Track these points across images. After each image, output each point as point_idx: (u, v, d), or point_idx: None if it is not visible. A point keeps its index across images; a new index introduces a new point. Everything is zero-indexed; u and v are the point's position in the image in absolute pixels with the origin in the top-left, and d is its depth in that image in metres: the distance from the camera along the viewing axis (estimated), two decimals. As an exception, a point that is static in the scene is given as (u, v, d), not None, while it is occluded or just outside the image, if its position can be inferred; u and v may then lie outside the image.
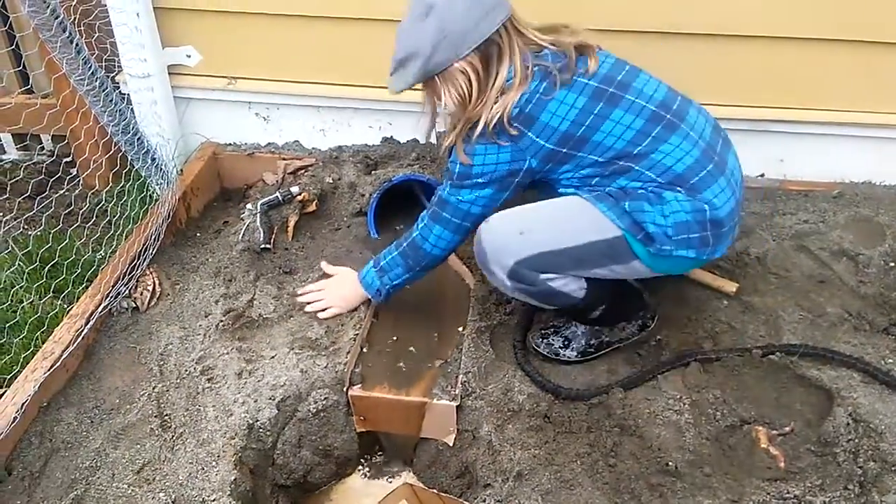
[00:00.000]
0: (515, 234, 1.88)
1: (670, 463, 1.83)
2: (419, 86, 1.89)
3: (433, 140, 2.16)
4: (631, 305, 2.14)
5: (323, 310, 2.25)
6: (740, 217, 1.95)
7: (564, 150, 1.83)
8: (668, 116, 1.83)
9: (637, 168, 1.83)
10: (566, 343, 2.12)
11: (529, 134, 1.81)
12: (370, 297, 2.18)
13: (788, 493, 1.75)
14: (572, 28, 1.88)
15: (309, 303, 2.28)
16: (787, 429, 1.91)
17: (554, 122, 1.80)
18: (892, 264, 2.33)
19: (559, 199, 1.92)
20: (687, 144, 1.83)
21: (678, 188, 1.82)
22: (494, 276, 1.95)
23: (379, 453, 2.22)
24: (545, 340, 2.14)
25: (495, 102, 1.79)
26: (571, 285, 1.92)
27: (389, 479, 2.17)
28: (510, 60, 1.78)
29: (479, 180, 1.89)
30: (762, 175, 2.71)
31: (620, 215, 1.82)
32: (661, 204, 1.81)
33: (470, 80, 1.80)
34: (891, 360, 2.05)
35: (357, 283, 2.20)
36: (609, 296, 2.02)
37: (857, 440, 1.83)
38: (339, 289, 2.28)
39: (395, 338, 2.24)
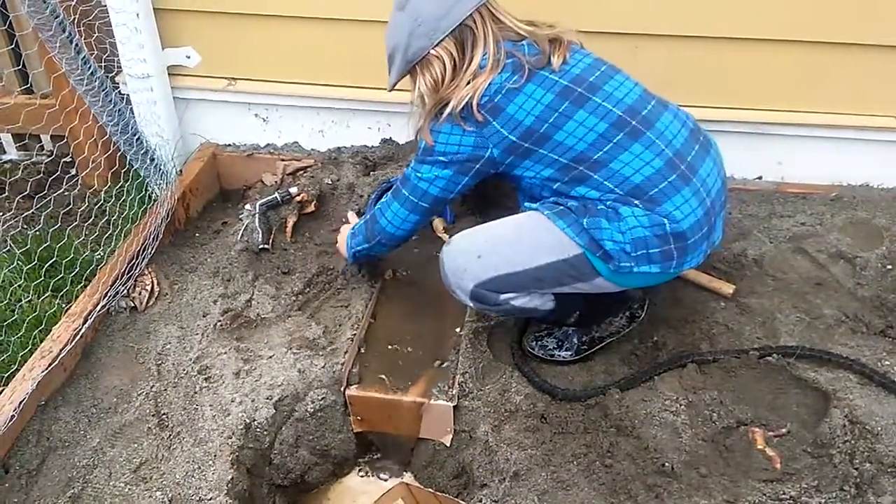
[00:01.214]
0: (473, 257, 1.89)
1: (667, 464, 1.84)
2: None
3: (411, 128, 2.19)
4: (611, 301, 2.12)
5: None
6: (716, 226, 1.91)
7: (526, 145, 1.83)
8: (634, 123, 1.81)
9: (595, 177, 1.81)
10: (559, 344, 2.12)
11: (494, 123, 1.81)
12: (348, 258, 2.28)
13: (784, 494, 1.75)
14: (557, 27, 1.88)
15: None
16: (784, 430, 1.91)
17: (519, 116, 1.80)
18: (890, 267, 2.34)
19: (520, 217, 1.92)
20: (648, 154, 1.80)
21: (635, 202, 1.79)
22: (457, 297, 1.97)
23: (376, 454, 2.22)
24: (539, 342, 2.14)
25: (466, 85, 1.79)
26: (536, 301, 1.93)
27: (386, 479, 2.17)
28: (484, 46, 1.79)
29: (441, 158, 1.89)
30: (760, 177, 2.72)
31: (579, 232, 1.80)
32: (618, 220, 1.78)
33: (444, 66, 1.81)
34: (887, 362, 2.05)
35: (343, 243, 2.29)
36: (580, 303, 2.03)
37: (853, 442, 1.83)
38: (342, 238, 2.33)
39: (392, 338, 2.24)
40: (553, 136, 1.81)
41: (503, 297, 1.90)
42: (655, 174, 1.79)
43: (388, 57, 1.89)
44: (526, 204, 1.94)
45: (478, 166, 1.89)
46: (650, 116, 1.84)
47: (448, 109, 1.81)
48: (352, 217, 2.45)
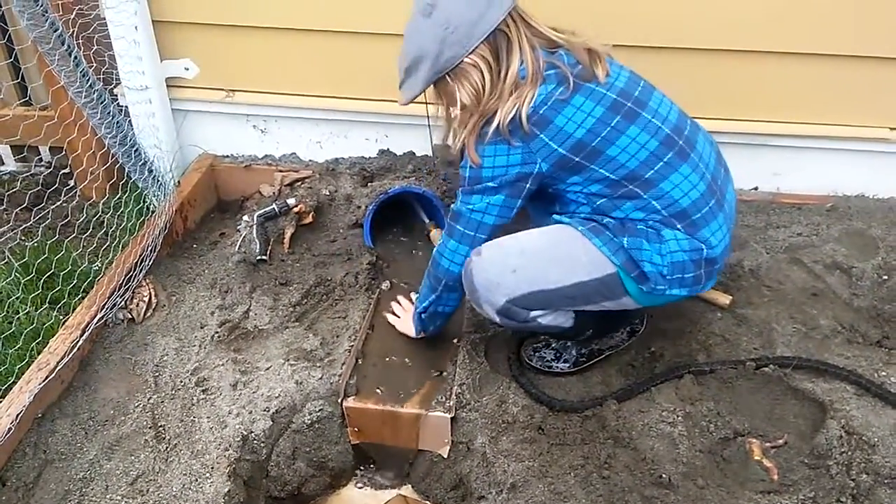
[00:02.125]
0: (508, 271, 1.83)
1: (664, 475, 1.84)
2: (421, 95, 1.82)
3: (453, 146, 1.99)
4: (619, 318, 2.13)
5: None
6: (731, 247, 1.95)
7: (577, 159, 1.76)
8: (681, 142, 1.79)
9: (644, 196, 1.77)
10: (558, 355, 2.12)
11: (542, 136, 1.73)
12: (416, 330, 2.18)
13: (781, 505, 1.75)
14: (575, 33, 1.81)
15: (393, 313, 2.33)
16: (781, 441, 1.91)
17: (569, 128, 1.72)
18: (885, 277, 2.35)
19: (553, 231, 1.87)
20: (695, 177, 1.78)
21: (678, 225, 1.78)
22: (483, 311, 1.93)
23: (371, 465, 2.22)
24: (537, 354, 2.14)
25: (510, 96, 1.70)
26: (559, 318, 1.92)
27: (384, 490, 2.17)
28: (520, 53, 1.70)
29: (490, 184, 1.79)
30: (756, 188, 2.73)
31: (616, 251, 1.77)
32: (660, 242, 1.77)
33: (483, 74, 1.71)
34: (884, 373, 2.05)
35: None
36: (594, 319, 2.03)
37: (849, 453, 1.83)
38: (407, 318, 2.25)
39: (389, 350, 2.24)
40: (605, 150, 1.75)
41: (532, 314, 1.88)
42: (700, 198, 1.79)
43: (406, 68, 1.77)
44: (555, 216, 1.89)
45: (528, 185, 1.80)
46: (691, 136, 1.83)
47: (494, 123, 1.72)
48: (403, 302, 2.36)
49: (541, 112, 1.71)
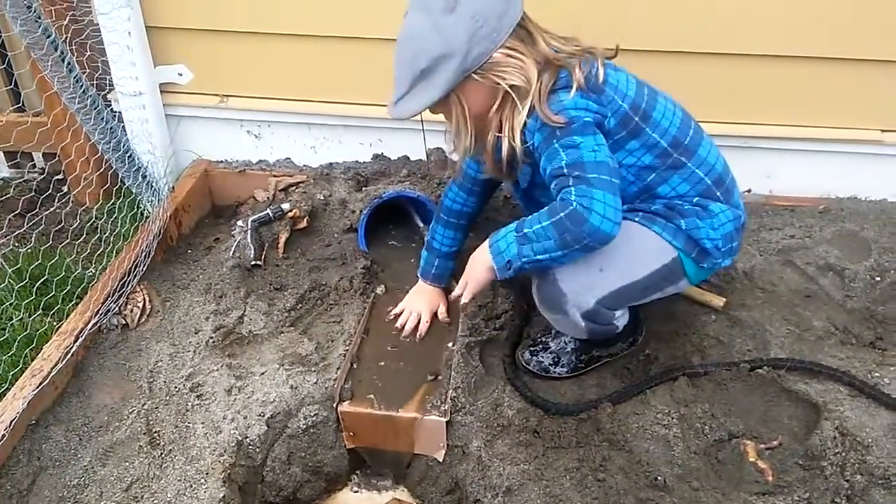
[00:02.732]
0: (595, 271, 1.80)
1: (659, 477, 1.84)
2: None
3: (461, 151, 1.88)
4: (632, 326, 2.11)
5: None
6: None
7: (636, 119, 1.77)
8: (694, 123, 1.90)
9: (689, 165, 1.83)
10: (556, 360, 2.12)
11: (608, 91, 1.74)
12: (495, 267, 1.76)
13: (776, 506, 1.76)
14: (575, 39, 1.81)
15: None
16: (775, 442, 1.91)
17: (622, 87, 1.77)
18: (878, 279, 2.35)
19: (632, 234, 1.82)
20: (715, 149, 1.90)
21: (717, 194, 1.86)
22: (567, 318, 1.87)
23: (369, 470, 2.22)
24: (535, 357, 2.14)
25: (569, 57, 1.70)
26: (623, 318, 1.96)
27: (380, 494, 2.16)
28: (542, 41, 1.70)
29: (587, 119, 1.68)
30: (749, 190, 2.74)
31: (675, 234, 1.81)
32: (710, 217, 1.84)
33: (517, 55, 1.66)
34: (877, 374, 2.06)
35: (484, 252, 1.80)
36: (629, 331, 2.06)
37: (844, 454, 1.84)
38: (470, 268, 1.88)
39: (384, 354, 2.24)
40: (651, 114, 1.79)
41: (617, 313, 1.90)
42: (726, 165, 1.91)
43: (417, 77, 1.66)
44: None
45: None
46: (696, 136, 1.90)
47: (574, 78, 1.67)
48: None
49: (593, 79, 1.72)
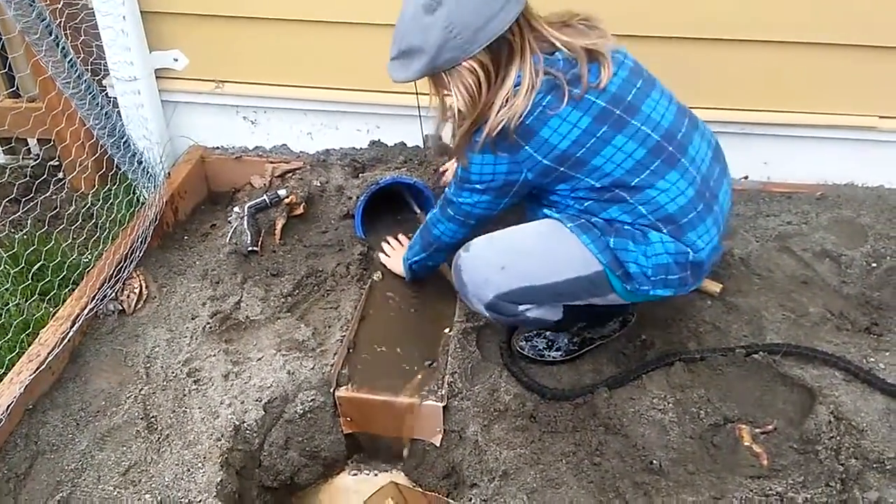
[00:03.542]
0: (497, 268, 1.87)
1: (654, 461, 1.85)
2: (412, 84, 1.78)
3: (443, 136, 2.06)
4: (609, 311, 2.13)
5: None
6: (722, 243, 1.95)
7: (561, 169, 1.77)
8: (671, 149, 1.77)
9: (631, 201, 1.78)
10: (550, 344, 2.13)
11: (527, 148, 1.73)
12: (406, 275, 2.34)
13: (771, 490, 1.76)
14: (589, 20, 1.78)
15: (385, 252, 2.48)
16: (770, 427, 1.92)
17: (553, 140, 1.72)
18: (874, 265, 2.36)
19: (541, 227, 1.88)
20: (683, 183, 1.78)
21: (664, 229, 1.78)
22: (471, 306, 1.98)
23: (366, 455, 2.22)
24: (529, 343, 2.15)
25: (502, 107, 1.68)
26: (548, 313, 1.94)
27: (376, 478, 2.17)
28: (520, 62, 1.67)
29: (478, 186, 1.86)
30: (746, 177, 2.74)
31: (603, 250, 1.78)
32: (646, 244, 1.78)
33: (479, 79, 1.68)
34: (872, 359, 2.07)
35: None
36: (585, 314, 2.04)
37: (838, 438, 1.85)
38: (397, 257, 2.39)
39: (381, 339, 2.24)
40: (590, 161, 1.75)
41: (521, 307, 1.90)
42: (687, 204, 1.78)
43: (400, 50, 1.72)
44: (545, 211, 1.90)
45: (515, 189, 1.85)
46: (684, 140, 1.81)
47: (484, 133, 1.71)
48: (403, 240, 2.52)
49: (527, 123, 1.70)
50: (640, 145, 1.75)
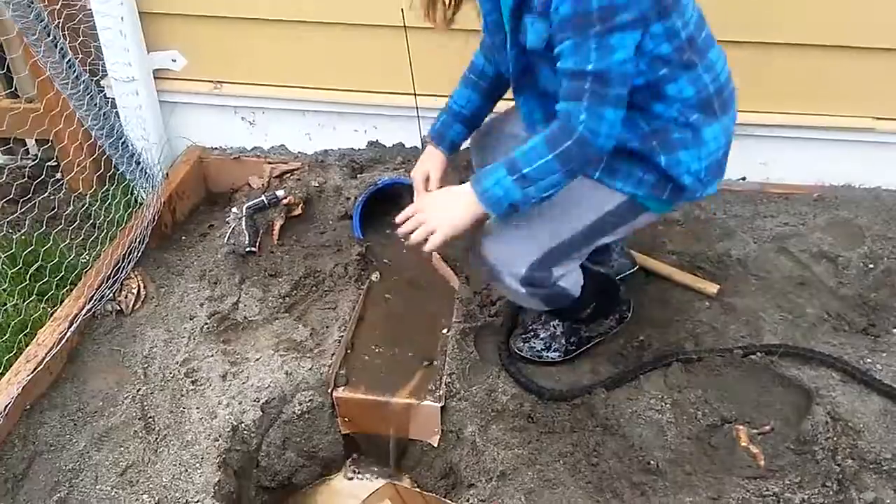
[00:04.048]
0: (522, 239, 1.76)
1: (652, 462, 1.85)
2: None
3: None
4: (612, 301, 2.14)
5: (427, 237, 1.74)
6: None
7: None
8: (707, 25, 1.72)
9: (699, 66, 1.63)
10: (547, 345, 2.13)
11: None
12: (492, 212, 1.66)
13: (768, 490, 1.77)
14: None
15: (410, 232, 1.78)
16: (767, 427, 1.93)
17: None
18: (871, 266, 2.37)
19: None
20: (723, 54, 1.72)
21: (715, 109, 1.67)
22: (507, 288, 1.82)
23: (364, 455, 2.22)
24: (527, 344, 2.15)
25: None
26: (573, 279, 1.86)
27: (374, 480, 2.18)
28: None
29: (627, 16, 1.45)
30: (744, 178, 2.74)
31: (638, 184, 1.70)
32: (698, 146, 1.68)
33: None
34: (869, 360, 2.07)
35: (468, 198, 1.67)
36: (597, 294, 2.02)
37: (835, 438, 1.85)
38: (443, 208, 1.74)
39: (379, 340, 2.24)
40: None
41: (555, 274, 1.79)
42: (730, 74, 1.72)
43: None
44: None
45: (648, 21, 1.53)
46: (708, 39, 1.74)
47: None
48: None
49: None
50: (694, 9, 1.66)
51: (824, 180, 2.71)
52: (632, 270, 2.34)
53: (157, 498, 1.80)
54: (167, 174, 2.78)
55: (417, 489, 1.94)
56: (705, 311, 2.26)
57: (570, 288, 1.87)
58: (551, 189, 1.62)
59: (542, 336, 2.15)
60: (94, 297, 2.25)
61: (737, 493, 1.77)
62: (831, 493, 1.75)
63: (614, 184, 1.72)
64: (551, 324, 2.14)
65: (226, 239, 2.52)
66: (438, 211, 1.74)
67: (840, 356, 2.07)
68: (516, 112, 1.94)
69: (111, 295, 2.31)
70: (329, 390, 2.08)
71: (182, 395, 2.04)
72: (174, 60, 2.76)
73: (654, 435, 1.92)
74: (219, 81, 2.81)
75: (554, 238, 1.77)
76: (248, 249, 2.49)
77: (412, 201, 2.66)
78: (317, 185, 2.71)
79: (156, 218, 2.54)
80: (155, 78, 2.78)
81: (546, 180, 1.59)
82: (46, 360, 2.03)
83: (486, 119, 2.04)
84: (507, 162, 1.61)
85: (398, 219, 1.82)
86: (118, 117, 2.71)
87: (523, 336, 2.17)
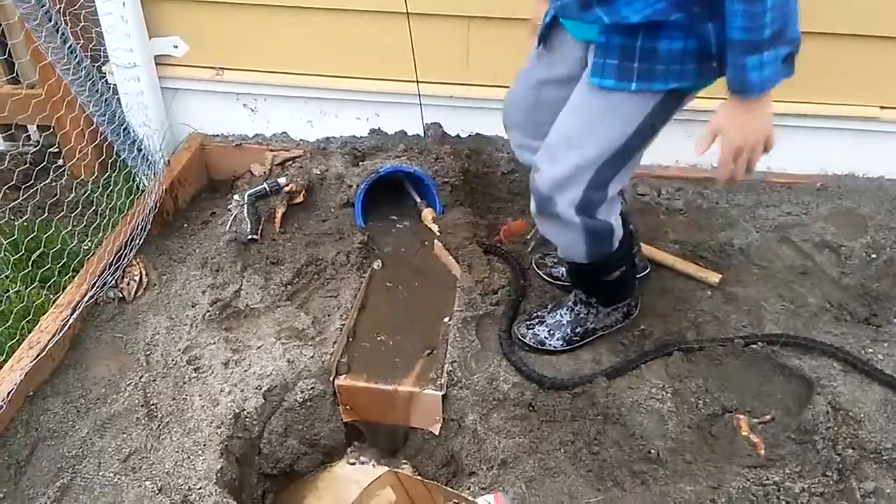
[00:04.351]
0: (571, 166, 1.75)
1: (653, 451, 1.86)
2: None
3: None
4: (629, 285, 2.12)
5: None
6: None
7: None
8: None
9: None
10: (551, 333, 2.13)
11: None
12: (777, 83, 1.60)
13: (768, 479, 1.77)
14: None
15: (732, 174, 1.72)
16: (768, 417, 1.93)
17: None
18: (874, 256, 2.36)
19: (582, 102, 1.74)
20: None
21: None
22: (561, 219, 1.81)
23: (366, 443, 2.23)
24: (531, 331, 2.15)
25: None
26: (616, 211, 1.86)
27: (375, 466, 2.18)
28: None
29: None
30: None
31: (679, 76, 1.61)
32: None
33: None
34: (871, 350, 2.08)
35: (755, 103, 1.61)
36: (628, 259, 2.02)
37: (836, 428, 1.86)
38: (751, 129, 1.67)
39: (381, 328, 2.25)
40: None
41: (609, 191, 1.78)
42: None
43: None
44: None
45: None
46: None
47: None
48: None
49: None
50: None
51: (827, 170, 2.70)
52: (645, 272, 2.34)
53: (159, 485, 1.81)
54: (169, 161, 2.77)
55: (419, 477, 1.95)
56: (707, 301, 2.27)
57: (614, 225, 1.86)
58: (794, 43, 1.56)
59: (547, 323, 2.15)
60: (97, 284, 2.25)
61: (737, 482, 1.78)
62: (831, 482, 1.76)
63: (657, 86, 1.64)
64: (558, 312, 2.15)
65: (228, 226, 2.52)
66: (749, 133, 1.66)
67: (841, 346, 2.07)
68: (525, 69, 1.96)
69: (113, 282, 2.32)
70: (331, 378, 2.08)
71: (184, 383, 2.05)
72: (176, 46, 2.75)
73: (654, 424, 1.92)
74: (220, 68, 2.80)
75: (602, 153, 1.74)
76: (249, 237, 2.49)
77: (414, 189, 2.69)
78: (318, 172, 2.71)
79: (157, 205, 2.54)
80: (156, 64, 2.77)
81: (778, 16, 1.48)
82: (49, 346, 2.04)
83: (511, 100, 2.04)
84: (739, 46, 1.52)
85: (700, 149, 1.67)
86: (120, 104, 2.71)
87: (528, 322, 2.17)
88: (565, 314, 2.13)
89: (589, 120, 1.74)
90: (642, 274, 2.32)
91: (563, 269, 2.32)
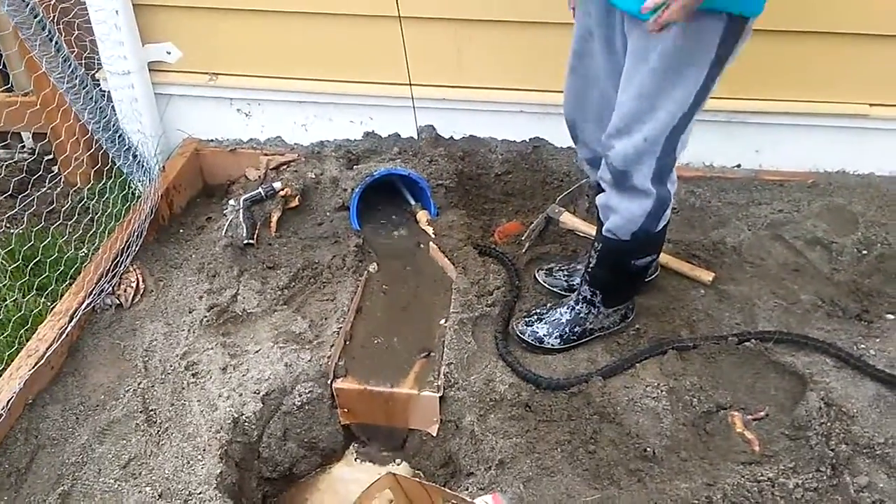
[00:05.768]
0: (640, 139, 1.77)
1: (648, 449, 1.87)
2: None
3: None
4: (639, 283, 2.14)
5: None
6: None
7: None
8: None
9: None
10: (550, 331, 2.15)
11: None
12: None
13: (762, 475, 1.79)
14: None
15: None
16: (762, 413, 1.95)
17: None
18: (865, 252, 2.38)
19: (639, 73, 1.72)
20: None
21: None
22: (638, 192, 1.85)
23: (364, 445, 2.25)
24: (530, 328, 2.17)
25: None
26: (675, 178, 1.89)
27: (374, 468, 2.20)
28: None
29: None
30: (738, 165, 2.75)
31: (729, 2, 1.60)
32: None
33: None
34: (863, 346, 2.09)
35: None
36: (660, 247, 2.05)
37: (829, 424, 1.88)
38: None
39: (378, 331, 2.26)
40: None
41: (677, 150, 1.80)
42: None
43: None
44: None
45: None
46: None
47: None
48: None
49: None
50: None
51: (818, 167, 2.72)
52: (654, 276, 2.35)
53: (159, 490, 1.82)
54: (164, 167, 2.78)
55: (417, 478, 1.96)
56: (700, 299, 2.28)
57: (673, 194, 1.89)
58: None
59: (546, 321, 2.17)
60: (94, 292, 2.26)
61: (732, 479, 1.79)
62: (825, 477, 1.78)
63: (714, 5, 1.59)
64: (557, 311, 2.17)
65: (223, 231, 2.53)
66: None
67: (834, 342, 2.09)
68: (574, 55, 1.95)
69: (110, 289, 2.33)
70: (328, 381, 2.10)
71: (182, 388, 2.06)
72: (169, 53, 2.76)
73: (650, 422, 1.94)
74: (214, 73, 2.81)
75: (671, 116, 1.74)
76: (245, 242, 2.50)
77: (408, 192, 2.70)
78: (313, 176, 2.72)
79: (153, 211, 2.55)
80: (150, 70, 2.77)
81: None
82: (47, 354, 2.05)
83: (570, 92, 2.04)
84: None
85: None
86: (114, 111, 2.72)
87: (526, 320, 2.19)
88: (565, 312, 2.15)
89: (652, 85, 1.70)
90: (650, 278, 2.34)
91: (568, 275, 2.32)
